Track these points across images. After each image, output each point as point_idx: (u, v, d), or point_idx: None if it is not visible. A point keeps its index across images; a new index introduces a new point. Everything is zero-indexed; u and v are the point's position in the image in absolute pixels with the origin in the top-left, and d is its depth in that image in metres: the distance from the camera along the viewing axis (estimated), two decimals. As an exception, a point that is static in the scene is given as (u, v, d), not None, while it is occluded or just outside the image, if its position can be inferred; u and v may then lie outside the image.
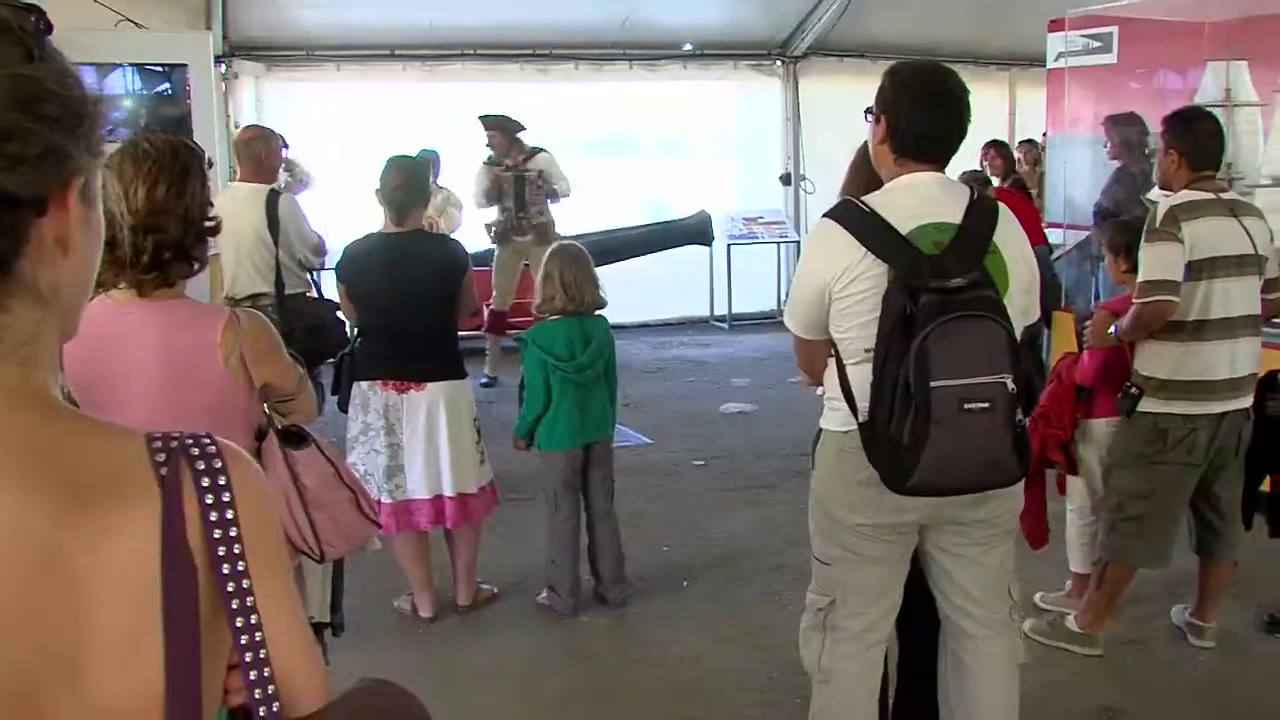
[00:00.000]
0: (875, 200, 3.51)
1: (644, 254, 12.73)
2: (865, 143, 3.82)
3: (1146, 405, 4.97)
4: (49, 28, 1.19)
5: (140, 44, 8.53)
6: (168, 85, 8.39)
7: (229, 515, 1.23)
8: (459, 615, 5.75)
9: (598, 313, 5.77)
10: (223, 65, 11.06)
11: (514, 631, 5.65)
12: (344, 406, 5.65)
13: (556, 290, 5.64)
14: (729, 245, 13.50)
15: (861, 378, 3.43)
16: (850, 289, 3.41)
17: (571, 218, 11.25)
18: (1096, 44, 9.45)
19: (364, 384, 5.51)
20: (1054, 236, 9.63)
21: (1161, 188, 5.24)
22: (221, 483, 1.24)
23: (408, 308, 5.42)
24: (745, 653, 5.34)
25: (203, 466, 1.24)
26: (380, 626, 5.62)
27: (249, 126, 8.07)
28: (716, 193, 14.01)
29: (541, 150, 10.82)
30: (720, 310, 13.91)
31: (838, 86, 12.58)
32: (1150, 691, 4.96)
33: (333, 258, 6.49)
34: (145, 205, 2.99)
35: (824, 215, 3.60)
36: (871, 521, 3.57)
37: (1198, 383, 4.89)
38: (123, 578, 1.16)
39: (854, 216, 3.47)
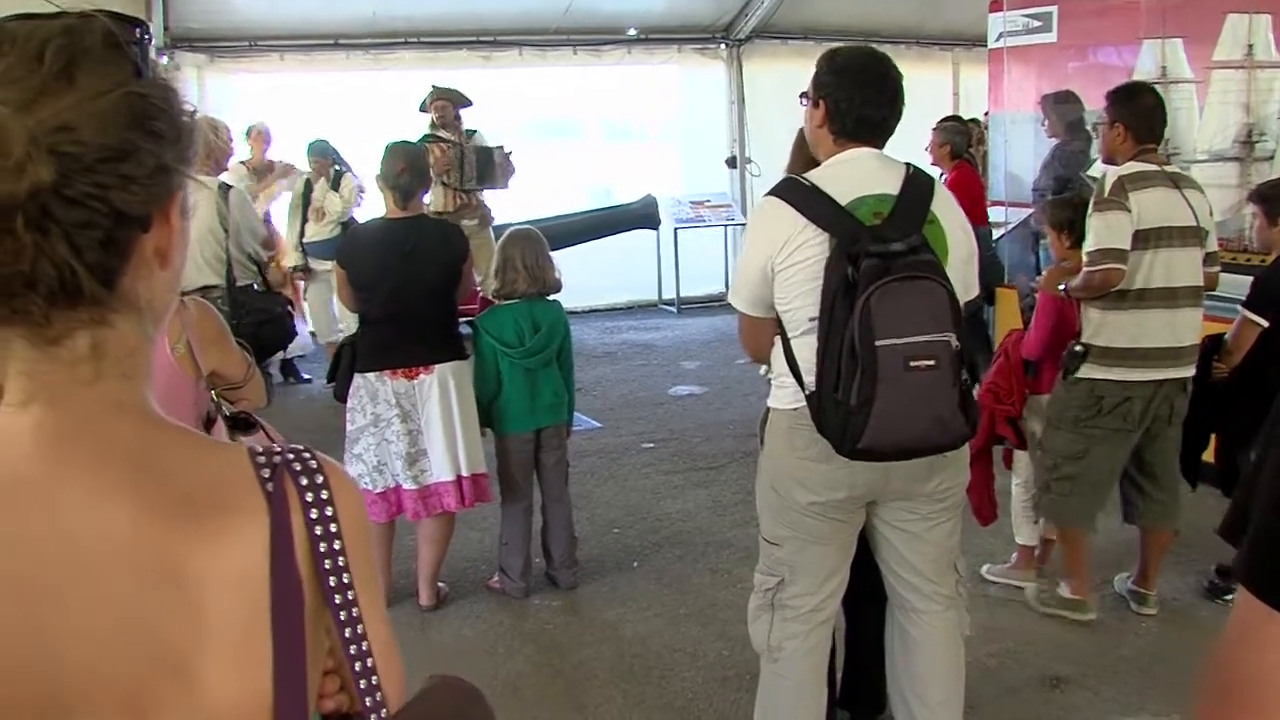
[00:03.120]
0: (815, 175, 3.57)
1: (591, 239, 12.71)
2: (804, 124, 3.86)
3: (1085, 371, 5.05)
4: (152, 40, 1.19)
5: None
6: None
7: (333, 529, 1.26)
8: (412, 602, 5.73)
9: (551, 298, 5.78)
10: (164, 57, 10.94)
11: (466, 615, 5.66)
12: (341, 396, 5.59)
13: (519, 273, 5.64)
14: (676, 229, 13.53)
15: (806, 349, 3.46)
16: (793, 258, 3.45)
17: (518, 204, 11.20)
18: (1036, 24, 9.51)
19: (370, 375, 5.44)
20: (996, 214, 9.69)
21: (1105, 161, 5.28)
22: (324, 497, 1.26)
23: (416, 293, 5.39)
24: (695, 631, 5.39)
25: (305, 482, 1.25)
26: (332, 613, 5.61)
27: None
28: (662, 177, 14.00)
29: (476, 131, 10.77)
30: (668, 294, 13.93)
31: (782, 69, 12.60)
32: (1094, 659, 5.03)
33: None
34: None
35: (766, 193, 3.66)
36: (822, 499, 3.60)
37: (1135, 350, 4.97)
38: (234, 587, 1.18)
39: (794, 190, 3.52)
